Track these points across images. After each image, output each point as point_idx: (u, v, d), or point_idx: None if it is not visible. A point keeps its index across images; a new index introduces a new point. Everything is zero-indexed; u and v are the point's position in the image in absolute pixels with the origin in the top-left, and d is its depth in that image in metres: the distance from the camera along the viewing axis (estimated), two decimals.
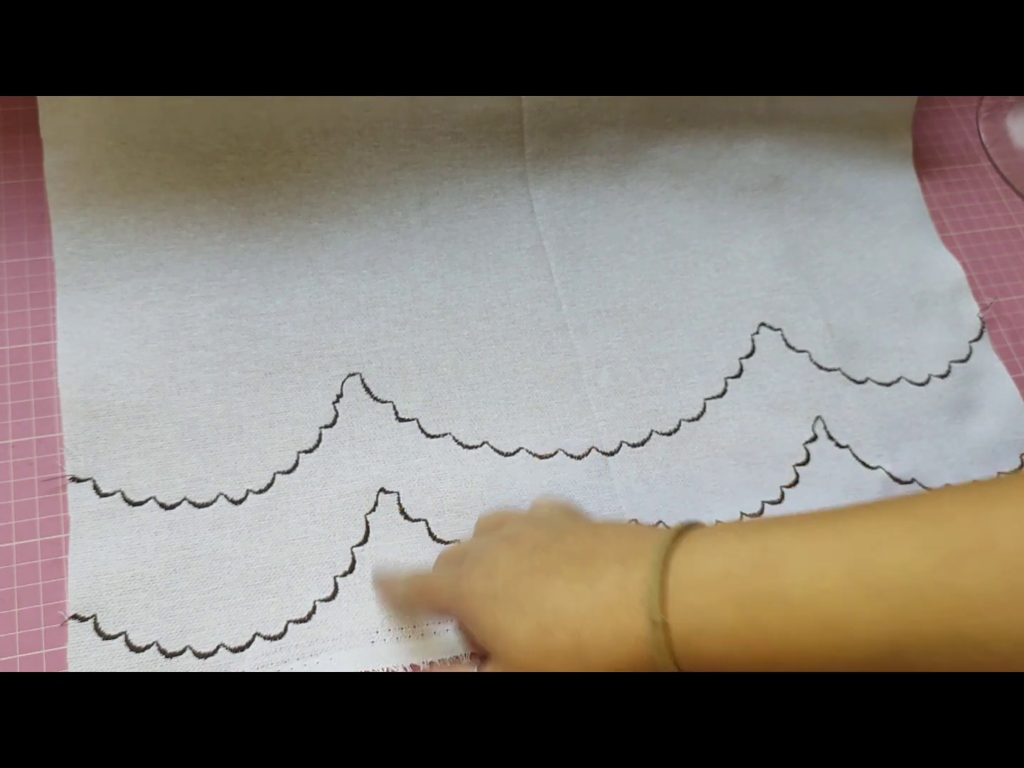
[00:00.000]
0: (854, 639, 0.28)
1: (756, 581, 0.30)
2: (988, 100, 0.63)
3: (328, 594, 0.41)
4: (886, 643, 0.28)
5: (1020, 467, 0.50)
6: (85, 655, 0.38)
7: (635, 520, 0.45)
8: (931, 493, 0.33)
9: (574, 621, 0.32)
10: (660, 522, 0.45)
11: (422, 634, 0.41)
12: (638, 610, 0.31)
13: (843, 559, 0.29)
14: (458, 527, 0.43)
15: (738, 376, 0.50)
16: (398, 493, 0.44)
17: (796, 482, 0.47)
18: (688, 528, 0.33)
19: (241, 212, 0.48)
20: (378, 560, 0.42)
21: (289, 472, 0.43)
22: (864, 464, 0.48)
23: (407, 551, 0.42)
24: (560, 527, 0.37)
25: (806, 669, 0.29)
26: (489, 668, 0.35)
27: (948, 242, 0.57)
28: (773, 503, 0.46)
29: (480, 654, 0.40)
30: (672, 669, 0.31)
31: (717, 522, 0.39)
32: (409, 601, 0.40)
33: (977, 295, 0.55)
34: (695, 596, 0.30)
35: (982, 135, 0.62)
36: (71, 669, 0.38)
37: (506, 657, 0.34)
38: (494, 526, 0.40)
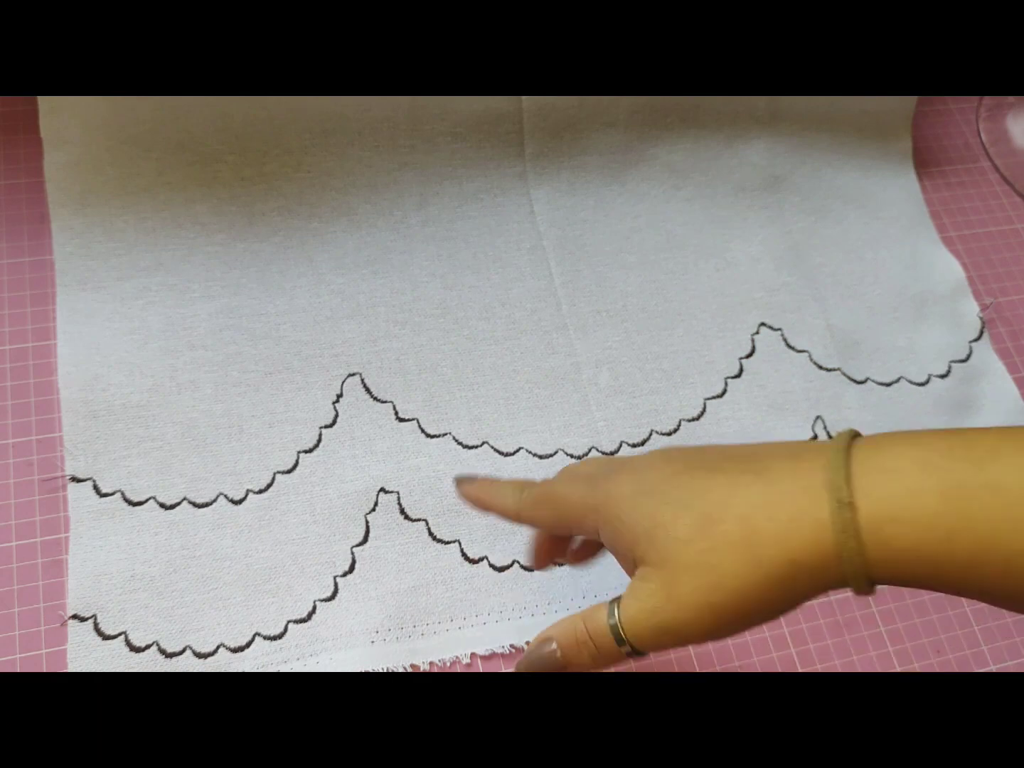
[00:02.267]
0: None
1: (961, 471, 0.26)
2: (988, 100, 0.63)
3: (328, 594, 0.41)
4: None
5: None
6: (85, 655, 0.38)
7: None
8: None
9: (743, 508, 0.28)
10: None
11: (422, 634, 0.41)
12: (819, 493, 0.27)
13: None
14: (458, 527, 0.43)
15: (738, 376, 0.50)
16: (398, 493, 0.44)
17: None
18: (852, 438, 0.29)
19: (241, 212, 0.48)
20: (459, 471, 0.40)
21: (289, 472, 0.43)
22: None
23: (407, 551, 0.42)
24: (702, 444, 0.33)
25: (1012, 569, 0.26)
26: (640, 573, 0.30)
27: (948, 242, 0.57)
28: None
29: (628, 564, 0.32)
30: (859, 556, 0.27)
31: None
32: (524, 512, 0.35)
33: (977, 295, 0.55)
34: (888, 481, 0.27)
35: (982, 135, 0.62)
36: (71, 669, 0.38)
37: (664, 554, 0.29)
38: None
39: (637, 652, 0.30)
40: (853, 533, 0.26)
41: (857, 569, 0.27)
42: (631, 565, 0.31)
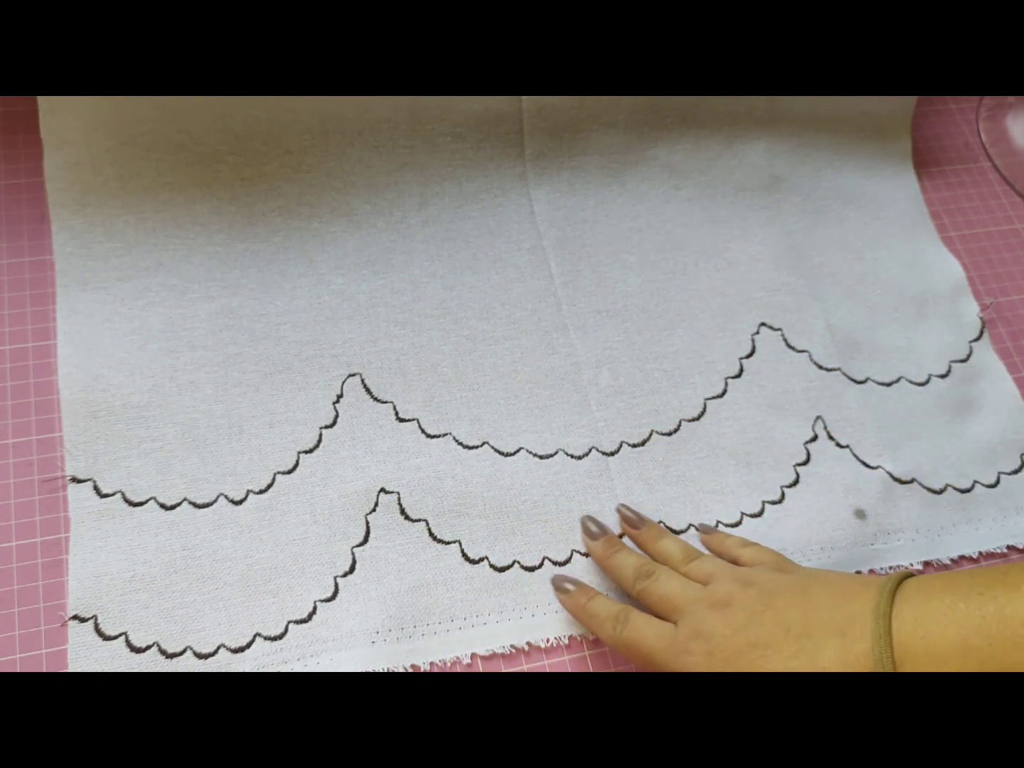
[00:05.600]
0: None
1: (1000, 653, 0.29)
2: (988, 100, 0.63)
3: (329, 594, 0.41)
4: None
5: (1020, 467, 0.50)
6: (86, 656, 0.38)
7: None
8: None
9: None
10: (660, 522, 0.45)
11: (423, 634, 0.41)
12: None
13: None
14: (458, 527, 0.43)
15: (738, 376, 0.50)
16: (398, 493, 0.44)
17: (796, 482, 0.47)
18: (899, 583, 0.33)
19: (241, 212, 0.48)
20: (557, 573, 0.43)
21: (289, 472, 0.43)
22: (864, 464, 0.48)
23: (408, 551, 0.42)
24: (768, 588, 0.37)
25: None
26: None
27: (948, 242, 0.57)
28: (773, 503, 0.46)
29: None
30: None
31: (907, 570, 0.37)
32: (616, 648, 0.39)
33: (977, 295, 0.55)
34: (930, 668, 0.30)
35: (982, 135, 0.62)
36: (72, 670, 0.38)
37: None
38: (698, 574, 0.40)
39: None
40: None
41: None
42: None
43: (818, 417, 0.49)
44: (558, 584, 0.42)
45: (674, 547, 0.42)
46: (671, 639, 0.37)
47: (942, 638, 0.30)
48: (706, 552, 0.43)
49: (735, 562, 0.42)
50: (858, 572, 0.45)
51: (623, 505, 0.45)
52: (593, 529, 0.43)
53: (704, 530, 0.44)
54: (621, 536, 0.44)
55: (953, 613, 0.31)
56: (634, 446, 0.47)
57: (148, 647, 0.39)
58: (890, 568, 0.46)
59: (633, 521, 0.44)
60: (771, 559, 0.42)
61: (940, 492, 0.48)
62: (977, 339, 0.54)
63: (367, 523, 0.43)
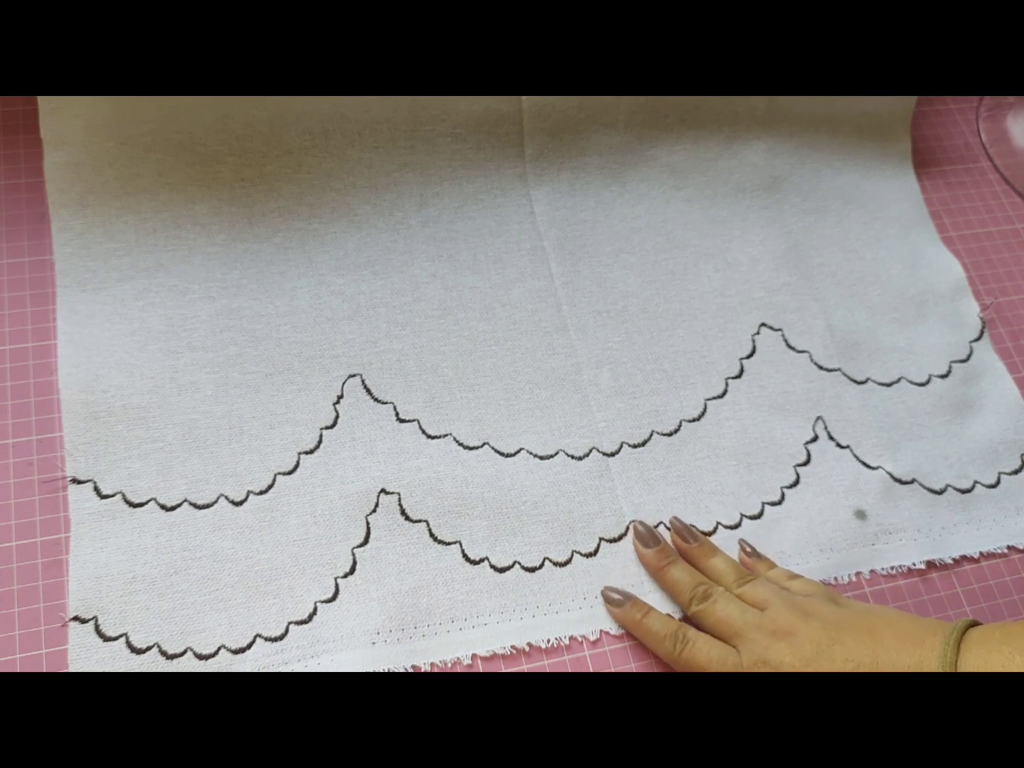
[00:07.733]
0: None
1: None
2: (988, 100, 0.63)
3: (329, 595, 0.41)
4: None
5: (1020, 467, 0.50)
6: (86, 657, 0.38)
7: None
8: None
9: None
10: (661, 523, 0.45)
11: (423, 635, 0.41)
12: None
13: None
14: (459, 528, 0.43)
15: (739, 376, 0.50)
16: (399, 494, 0.44)
17: (796, 482, 0.47)
18: (963, 632, 0.35)
19: (241, 213, 0.48)
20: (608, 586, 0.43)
21: (290, 473, 0.43)
22: (864, 464, 0.48)
23: (408, 552, 0.42)
24: (831, 621, 0.38)
25: None
26: None
27: (948, 242, 0.57)
28: (773, 503, 0.46)
29: None
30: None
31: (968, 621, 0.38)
32: (675, 667, 0.40)
33: (977, 295, 0.55)
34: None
35: (982, 135, 0.62)
36: (72, 671, 0.38)
37: None
38: (753, 598, 0.40)
39: None
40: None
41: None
42: None
43: (818, 417, 0.49)
44: (608, 597, 0.42)
45: (726, 567, 0.42)
46: (735, 665, 0.38)
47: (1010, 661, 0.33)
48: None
49: None
50: (858, 573, 0.45)
51: (675, 517, 0.45)
52: (645, 535, 0.43)
53: (747, 552, 0.44)
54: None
55: (1010, 664, 0.33)
56: (635, 447, 0.47)
57: (149, 648, 0.39)
58: (891, 568, 0.46)
59: (685, 535, 0.44)
60: (820, 590, 0.42)
61: (940, 492, 0.48)
62: (977, 339, 0.54)
63: (367, 524, 0.43)
